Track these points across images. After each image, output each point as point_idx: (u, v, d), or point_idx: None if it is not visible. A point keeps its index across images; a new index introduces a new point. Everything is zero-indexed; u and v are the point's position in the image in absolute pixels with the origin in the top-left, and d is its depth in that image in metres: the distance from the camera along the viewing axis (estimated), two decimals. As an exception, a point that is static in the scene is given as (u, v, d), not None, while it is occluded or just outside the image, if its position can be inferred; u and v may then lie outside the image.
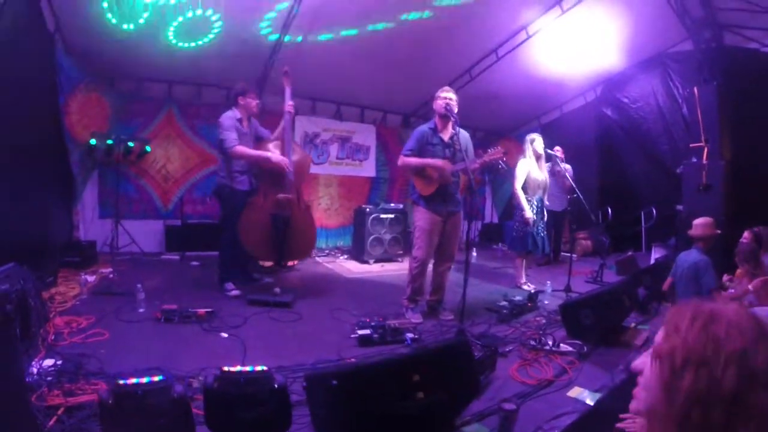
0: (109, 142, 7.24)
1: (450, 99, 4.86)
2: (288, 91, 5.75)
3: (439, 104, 4.90)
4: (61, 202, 6.92)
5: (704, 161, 7.13)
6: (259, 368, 2.40)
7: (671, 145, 8.72)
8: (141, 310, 4.70)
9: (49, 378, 2.99)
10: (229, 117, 5.56)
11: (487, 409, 2.97)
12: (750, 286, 4.53)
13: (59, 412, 2.60)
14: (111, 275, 6.05)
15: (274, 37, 7.12)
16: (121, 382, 2.14)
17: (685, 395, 0.95)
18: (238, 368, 2.38)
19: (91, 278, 5.72)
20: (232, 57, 7.34)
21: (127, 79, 7.81)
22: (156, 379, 2.20)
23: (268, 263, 6.67)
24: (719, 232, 5.25)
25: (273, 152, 5.65)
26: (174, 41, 6.77)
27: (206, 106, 8.45)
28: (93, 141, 7.09)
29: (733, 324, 0.97)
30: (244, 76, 7.92)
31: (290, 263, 7.47)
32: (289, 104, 5.74)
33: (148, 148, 7.88)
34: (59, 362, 3.28)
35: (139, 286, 4.85)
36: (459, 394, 2.62)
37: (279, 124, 5.84)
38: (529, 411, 3.01)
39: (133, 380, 2.15)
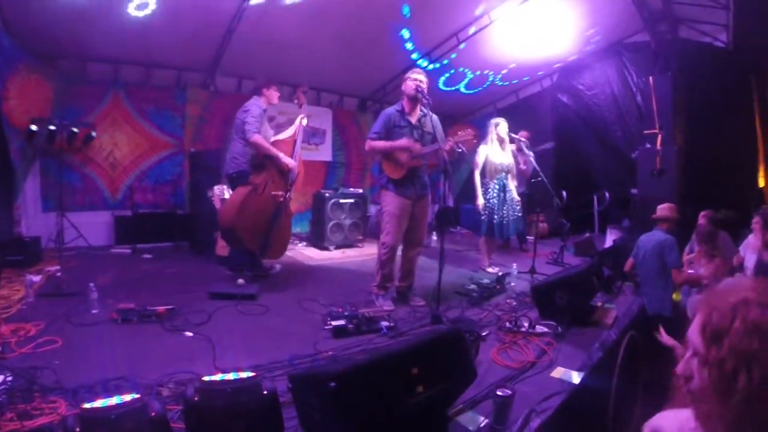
0: (51, 128, 6.74)
1: (420, 81, 4.79)
2: (304, 106, 5.99)
3: (409, 86, 4.82)
4: (1, 196, 6.46)
5: (658, 147, 7.41)
6: (243, 375, 2.20)
7: (625, 132, 8.97)
8: (95, 312, 4.34)
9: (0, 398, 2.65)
10: (258, 106, 5.71)
11: (477, 396, 2.90)
12: (704, 272, 4.95)
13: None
14: (58, 274, 5.48)
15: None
16: (88, 405, 1.85)
17: (742, 396, 0.96)
18: (221, 377, 2.18)
19: (36, 278, 5.16)
20: (182, 37, 7.03)
21: (70, 59, 7.33)
22: (128, 397, 1.91)
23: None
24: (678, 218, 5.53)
25: (282, 152, 5.70)
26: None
27: (156, 89, 8.11)
28: (33, 127, 6.53)
29: (763, 304, 1.00)
30: (196, 57, 7.67)
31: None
32: (304, 116, 5.94)
33: (93, 134, 7.44)
34: (9, 378, 2.90)
35: (91, 285, 4.49)
36: (457, 383, 2.53)
37: (291, 127, 5.98)
38: (518, 394, 2.93)
39: (101, 401, 1.86)
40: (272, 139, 5.80)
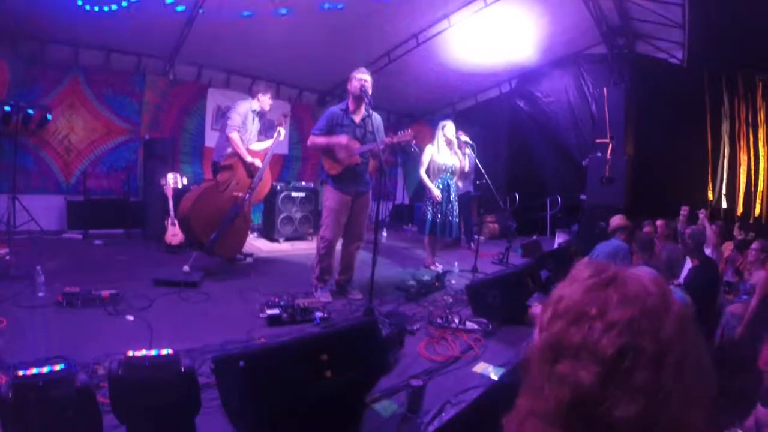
0: (7, 109, 6.66)
1: (365, 80, 4.85)
2: (286, 123, 6.23)
3: (354, 85, 4.88)
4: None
5: (608, 156, 7.67)
6: (164, 352, 2.26)
7: (578, 139, 9.24)
8: (41, 294, 4.37)
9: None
10: (246, 105, 6.11)
11: (396, 386, 3.02)
12: None
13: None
14: (8, 257, 5.47)
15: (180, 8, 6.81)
16: (21, 373, 1.96)
17: (547, 341, 0.92)
18: (143, 353, 2.24)
19: None
20: (144, 22, 6.97)
21: (29, 39, 7.20)
22: (57, 368, 2.02)
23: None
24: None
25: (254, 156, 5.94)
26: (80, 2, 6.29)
27: (116, 73, 8.04)
28: None
29: (632, 293, 0.89)
30: (157, 44, 7.62)
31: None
32: (279, 129, 6.17)
33: (49, 116, 7.33)
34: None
35: (38, 268, 4.49)
36: (367, 372, 2.64)
37: (270, 140, 6.25)
38: (437, 386, 3.08)
39: (33, 370, 1.97)
40: (251, 146, 6.04)
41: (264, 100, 6.19)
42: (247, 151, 5.87)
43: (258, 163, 5.90)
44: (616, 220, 5.69)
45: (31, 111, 6.98)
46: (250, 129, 6.11)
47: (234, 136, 5.80)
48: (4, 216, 6.84)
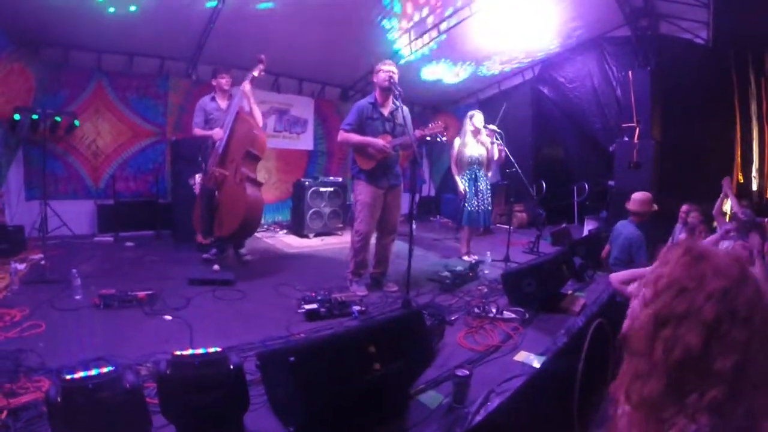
0: (34, 117, 6.67)
1: (393, 72, 4.83)
2: (251, 75, 5.88)
3: (381, 77, 4.86)
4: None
5: (635, 141, 7.53)
6: (212, 350, 2.29)
7: (604, 125, 9.08)
8: (78, 297, 4.39)
9: (-14, 379, 2.73)
10: (202, 100, 6.12)
11: (439, 377, 3.01)
12: None
13: (2, 415, 2.39)
14: (42, 262, 5.51)
15: (211, 3, 6.80)
16: (68, 376, 1.97)
17: (656, 313, 1.09)
18: (191, 351, 2.26)
19: (21, 266, 5.24)
20: (165, 25, 7.00)
21: (53, 47, 7.25)
22: (105, 369, 2.03)
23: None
24: (656, 208, 5.56)
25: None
26: (102, 1, 6.29)
27: (139, 77, 8.06)
28: (17, 116, 6.51)
29: (720, 266, 1.07)
30: (178, 46, 7.66)
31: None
32: (246, 82, 5.81)
33: (77, 123, 7.38)
34: (-5, 361, 3.00)
35: (74, 271, 4.53)
36: (414, 363, 2.63)
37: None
38: (480, 376, 3.06)
39: (81, 373, 1.98)
40: None
41: (220, 83, 6.11)
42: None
43: (216, 131, 5.77)
44: (633, 204, 5.44)
45: (58, 118, 7.02)
46: (217, 117, 6.01)
47: (195, 130, 6.00)
48: (37, 222, 6.90)
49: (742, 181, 8.18)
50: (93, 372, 2.00)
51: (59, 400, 1.87)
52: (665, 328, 1.06)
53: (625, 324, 1.20)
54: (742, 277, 1.06)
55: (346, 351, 2.31)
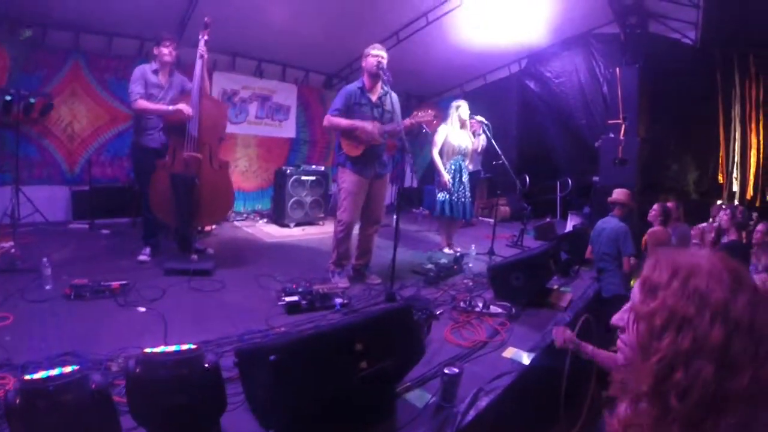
0: (8, 98, 6.42)
1: (382, 57, 4.71)
2: (203, 40, 5.21)
3: (370, 62, 4.72)
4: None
5: (621, 137, 7.55)
6: (186, 347, 2.12)
7: (589, 121, 9.12)
8: (48, 288, 4.19)
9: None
10: (140, 68, 5.22)
11: (426, 374, 2.92)
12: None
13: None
14: (12, 250, 5.23)
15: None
16: (28, 377, 1.82)
17: (661, 359, 0.96)
18: (162, 348, 2.10)
19: None
20: (147, 5, 6.78)
21: (29, 24, 6.85)
22: (69, 369, 1.86)
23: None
24: (634, 204, 5.62)
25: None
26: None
27: (118, 58, 7.79)
28: None
29: (713, 274, 0.97)
30: (159, 28, 7.42)
31: (207, 228, 7.13)
32: (202, 49, 5.17)
33: (52, 105, 7.09)
34: (-42, 355, 2.82)
35: (44, 260, 4.32)
36: (403, 360, 2.52)
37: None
38: (468, 373, 2.96)
39: (43, 373, 1.82)
40: (186, 95, 5.23)
41: (161, 52, 5.20)
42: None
43: (184, 107, 5.00)
44: (617, 194, 5.47)
45: (32, 99, 6.74)
46: (156, 95, 5.21)
47: (141, 102, 5.05)
48: (8, 208, 6.61)
49: (722, 181, 8.23)
50: (55, 372, 1.83)
51: (17, 402, 1.72)
52: (675, 372, 0.94)
53: (617, 370, 1.13)
54: (735, 276, 0.97)
55: (332, 349, 2.19)
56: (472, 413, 2.58)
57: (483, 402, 2.70)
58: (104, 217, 7.44)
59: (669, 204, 6.33)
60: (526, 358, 3.31)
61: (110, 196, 7.69)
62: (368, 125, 4.72)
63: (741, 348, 0.90)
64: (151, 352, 2.06)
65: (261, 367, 2.07)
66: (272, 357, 1.97)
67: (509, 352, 3.43)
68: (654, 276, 1.04)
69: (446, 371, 2.61)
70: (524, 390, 3.06)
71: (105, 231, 6.99)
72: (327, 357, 2.16)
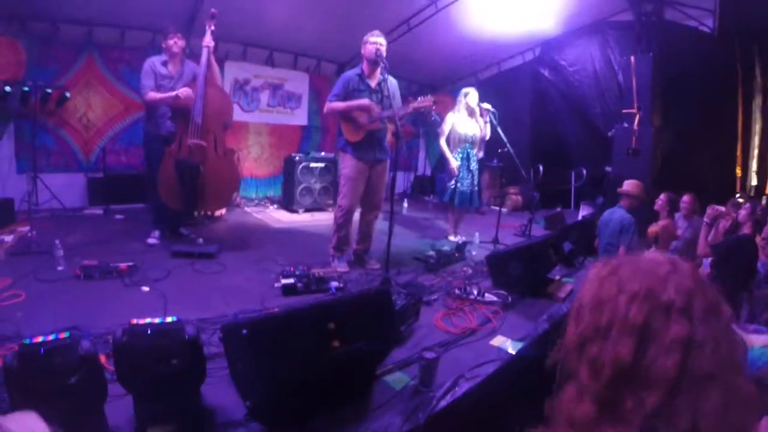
0: (25, 89, 6.63)
1: (380, 44, 4.73)
2: (209, 30, 5.32)
3: (369, 49, 4.77)
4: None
5: (635, 127, 7.42)
6: (169, 319, 2.24)
7: (604, 110, 8.98)
8: (60, 268, 4.39)
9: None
10: (149, 62, 5.40)
11: (409, 358, 2.96)
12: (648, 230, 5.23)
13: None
14: (30, 234, 5.48)
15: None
16: (26, 342, 1.98)
17: (579, 332, 1.03)
18: (148, 321, 2.21)
19: (8, 238, 5.24)
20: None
21: (41, 20, 7.10)
22: (62, 336, 2.04)
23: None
24: (645, 196, 5.53)
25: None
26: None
27: (131, 50, 7.92)
28: (7, 89, 6.46)
29: (639, 268, 1.02)
30: (170, 20, 7.50)
31: (217, 213, 7.26)
32: (208, 39, 5.30)
33: (67, 95, 7.26)
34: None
35: (57, 242, 4.52)
36: (378, 343, 2.56)
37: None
38: (452, 359, 3.01)
39: (39, 339, 1.99)
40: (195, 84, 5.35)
41: (170, 45, 5.38)
42: None
43: (181, 91, 5.15)
44: (627, 185, 5.48)
45: (49, 90, 6.93)
46: (167, 86, 5.37)
47: (152, 95, 5.24)
48: (27, 195, 6.85)
49: (740, 174, 8.06)
50: (50, 338, 2.01)
51: (16, 364, 1.89)
52: (590, 346, 0.99)
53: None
54: (671, 269, 0.99)
55: (303, 326, 2.25)
56: (447, 399, 2.59)
57: (462, 388, 2.71)
58: (119, 202, 7.60)
59: (685, 197, 6.22)
60: (512, 348, 3.30)
61: (124, 183, 7.84)
62: (364, 100, 4.78)
63: (672, 329, 0.92)
64: (136, 324, 2.17)
65: (238, 342, 2.16)
66: (244, 331, 2.06)
67: (497, 341, 3.42)
68: (591, 270, 1.12)
69: (424, 355, 2.64)
70: (507, 380, 3.04)
71: (119, 216, 7.15)
72: (299, 334, 2.22)
